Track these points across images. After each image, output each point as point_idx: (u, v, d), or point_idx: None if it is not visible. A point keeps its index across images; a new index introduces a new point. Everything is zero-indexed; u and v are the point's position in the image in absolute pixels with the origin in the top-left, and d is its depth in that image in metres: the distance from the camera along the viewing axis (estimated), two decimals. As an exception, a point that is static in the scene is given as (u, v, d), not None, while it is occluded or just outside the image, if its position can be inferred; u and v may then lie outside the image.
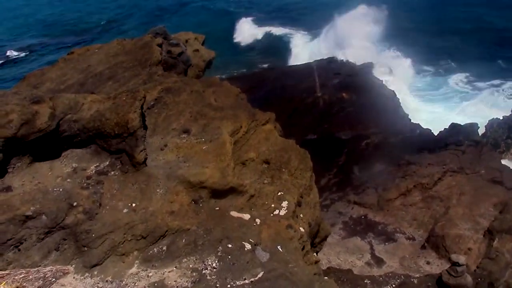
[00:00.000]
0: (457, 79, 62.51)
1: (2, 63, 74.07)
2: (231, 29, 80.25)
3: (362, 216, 32.40)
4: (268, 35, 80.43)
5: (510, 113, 48.82)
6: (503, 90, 58.47)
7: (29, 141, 12.31)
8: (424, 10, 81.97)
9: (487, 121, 47.87)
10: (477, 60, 63.83)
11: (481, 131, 42.93)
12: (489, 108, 54.76)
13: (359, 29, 69.06)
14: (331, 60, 56.10)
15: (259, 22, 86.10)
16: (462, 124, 39.90)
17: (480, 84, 60.43)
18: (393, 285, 22.88)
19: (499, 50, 67.88)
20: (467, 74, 62.72)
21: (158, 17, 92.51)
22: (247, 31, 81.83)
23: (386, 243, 29.41)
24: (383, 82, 51.45)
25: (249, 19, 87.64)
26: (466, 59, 64.93)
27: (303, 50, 73.90)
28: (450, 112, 54.46)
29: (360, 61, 56.69)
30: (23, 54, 77.26)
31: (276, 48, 74.60)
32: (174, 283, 11.01)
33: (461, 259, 20.75)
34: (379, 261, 27.75)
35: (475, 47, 68.88)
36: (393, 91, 49.66)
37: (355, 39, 67.46)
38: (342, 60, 57.02)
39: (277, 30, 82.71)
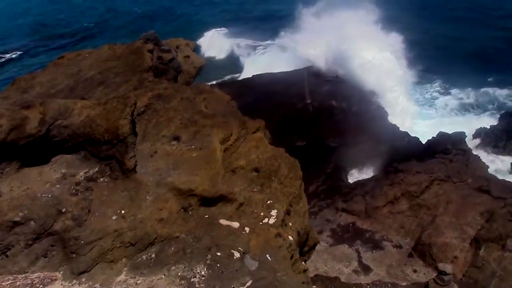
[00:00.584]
0: (433, 89, 62.54)
1: (-9, 64, 73.41)
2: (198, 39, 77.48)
3: (350, 223, 32.54)
4: (236, 47, 76.89)
5: (497, 122, 49.42)
6: (476, 101, 58.92)
7: (18, 146, 12.28)
8: (410, 17, 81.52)
9: (474, 130, 48.26)
10: (455, 70, 63.65)
11: (468, 140, 43.20)
12: (470, 117, 55.30)
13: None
14: (320, 68, 56.15)
15: (230, 33, 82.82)
16: (449, 133, 40.23)
17: (454, 92, 60.79)
18: (380, 293, 23.05)
19: (478, 62, 67.81)
20: (446, 85, 62.63)
21: (142, 20, 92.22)
22: (214, 42, 77.78)
23: (374, 251, 29.54)
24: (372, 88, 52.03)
25: (220, 30, 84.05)
26: (443, 69, 64.90)
27: (259, 59, 70.11)
28: (422, 121, 54.86)
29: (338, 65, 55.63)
30: (14, 55, 76.55)
31: (237, 59, 72.09)
32: (163, 291, 11.01)
33: (448, 268, 20.96)
34: (366, 269, 27.86)
35: (456, 58, 68.61)
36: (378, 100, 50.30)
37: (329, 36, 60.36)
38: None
39: (248, 42, 78.61)
